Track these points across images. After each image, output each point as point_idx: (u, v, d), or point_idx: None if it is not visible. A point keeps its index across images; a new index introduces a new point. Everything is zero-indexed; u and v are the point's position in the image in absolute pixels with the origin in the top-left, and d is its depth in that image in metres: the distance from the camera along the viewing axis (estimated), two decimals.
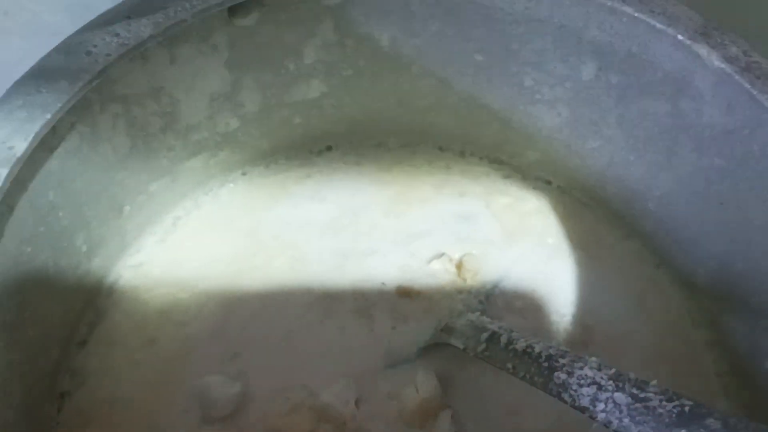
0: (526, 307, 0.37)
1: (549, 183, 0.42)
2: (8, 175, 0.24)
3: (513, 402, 0.34)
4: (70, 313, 0.34)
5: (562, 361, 0.27)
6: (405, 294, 0.37)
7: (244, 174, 0.41)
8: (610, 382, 0.25)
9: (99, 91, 0.29)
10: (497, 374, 0.33)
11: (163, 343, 0.35)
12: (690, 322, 0.37)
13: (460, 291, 0.37)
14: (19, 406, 0.29)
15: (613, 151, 0.38)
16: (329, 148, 0.42)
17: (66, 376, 0.33)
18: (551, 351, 0.28)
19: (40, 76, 0.26)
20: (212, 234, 0.39)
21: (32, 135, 0.25)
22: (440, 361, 0.35)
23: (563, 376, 0.26)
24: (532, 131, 0.40)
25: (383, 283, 0.37)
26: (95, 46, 0.28)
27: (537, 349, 0.28)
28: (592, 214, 0.41)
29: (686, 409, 0.22)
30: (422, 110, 0.41)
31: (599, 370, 0.26)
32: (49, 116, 0.25)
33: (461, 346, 0.32)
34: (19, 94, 0.26)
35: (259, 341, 0.35)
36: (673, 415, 0.22)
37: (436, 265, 0.38)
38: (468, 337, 0.32)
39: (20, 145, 0.25)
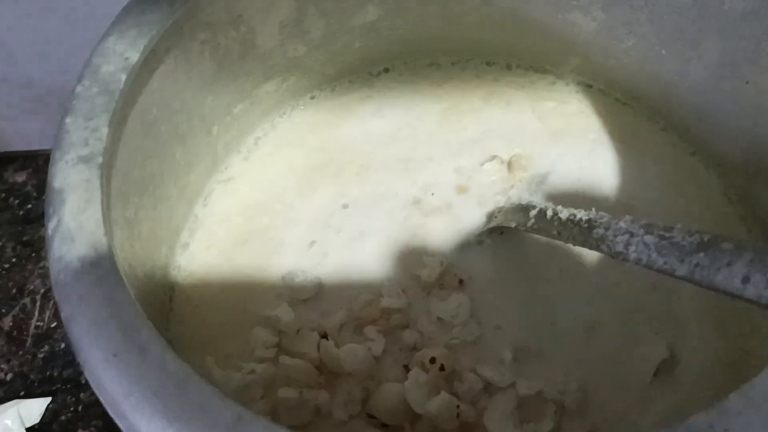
0: (572, 194, 0.40)
1: (590, 86, 0.45)
2: (127, 79, 0.29)
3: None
4: (175, 219, 0.39)
5: (600, 221, 0.31)
6: (461, 192, 0.41)
7: (312, 98, 0.45)
8: (641, 229, 0.28)
9: (188, 17, 0.34)
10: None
11: (252, 243, 0.40)
12: (725, 200, 0.40)
13: (512, 186, 0.41)
14: (140, 291, 0.34)
15: (646, 48, 0.41)
16: (386, 70, 0.46)
17: (174, 271, 0.39)
18: (591, 215, 0.32)
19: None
20: (289, 150, 0.43)
21: (142, 48, 0.30)
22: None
23: (601, 231, 0.30)
24: (572, 38, 0.43)
25: (441, 184, 0.41)
26: None
27: (579, 216, 0.32)
28: (631, 111, 0.44)
29: (705, 239, 0.26)
30: (469, 27, 0.44)
31: (632, 223, 0.29)
32: (154, 33, 0.30)
33: (513, 225, 0.37)
34: (130, 15, 0.31)
35: (332, 234, 0.40)
36: (694, 245, 0.26)
37: (489, 167, 0.42)
38: (519, 216, 0.37)
39: (134, 56, 0.29)
